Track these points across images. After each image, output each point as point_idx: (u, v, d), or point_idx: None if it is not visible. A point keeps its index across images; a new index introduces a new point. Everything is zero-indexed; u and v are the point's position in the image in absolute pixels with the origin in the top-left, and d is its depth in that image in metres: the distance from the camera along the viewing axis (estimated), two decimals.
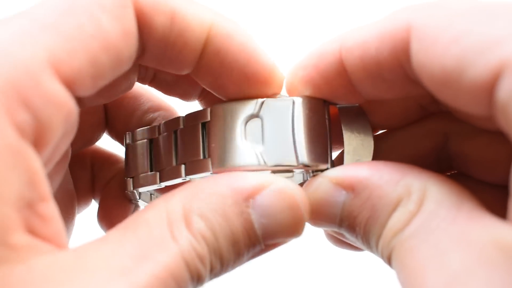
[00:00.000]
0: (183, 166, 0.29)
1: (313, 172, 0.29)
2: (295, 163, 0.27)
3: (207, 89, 0.29)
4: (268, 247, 0.26)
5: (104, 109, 0.35)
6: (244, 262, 0.26)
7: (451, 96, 0.24)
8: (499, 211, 0.23)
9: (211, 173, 0.28)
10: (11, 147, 0.21)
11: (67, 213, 0.34)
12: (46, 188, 0.22)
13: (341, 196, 0.26)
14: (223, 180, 0.25)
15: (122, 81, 0.30)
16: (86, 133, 0.35)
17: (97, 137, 0.36)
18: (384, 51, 0.25)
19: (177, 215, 0.24)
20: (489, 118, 0.23)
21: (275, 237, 0.26)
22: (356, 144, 0.30)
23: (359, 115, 0.30)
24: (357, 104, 0.30)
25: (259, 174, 0.26)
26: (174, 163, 0.30)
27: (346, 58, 0.27)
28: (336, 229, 0.27)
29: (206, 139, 0.29)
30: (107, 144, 0.38)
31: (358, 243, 0.27)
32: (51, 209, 0.22)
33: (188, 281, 0.23)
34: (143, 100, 0.36)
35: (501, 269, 0.21)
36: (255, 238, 0.25)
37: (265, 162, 0.27)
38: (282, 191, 0.26)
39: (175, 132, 0.30)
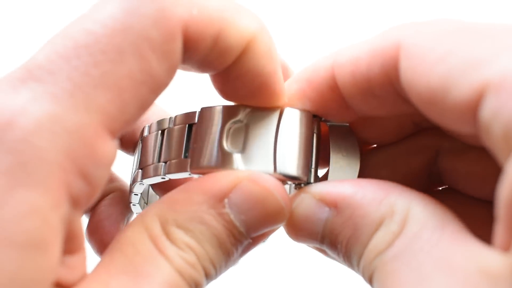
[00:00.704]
0: (163, 165, 0.29)
1: (295, 186, 0.28)
2: (272, 172, 0.27)
3: (216, 90, 0.28)
4: (256, 239, 0.26)
5: None
6: (238, 259, 0.26)
7: (437, 114, 0.24)
8: (487, 227, 0.23)
9: (189, 174, 0.28)
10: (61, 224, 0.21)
11: None
12: (81, 242, 0.23)
13: (324, 212, 0.26)
14: (195, 186, 0.26)
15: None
16: None
17: None
18: (375, 68, 0.25)
19: (156, 231, 0.24)
20: (474, 136, 0.23)
21: (259, 229, 0.26)
22: (342, 163, 0.30)
23: (348, 134, 0.30)
24: (347, 124, 0.30)
25: (230, 172, 0.26)
26: (156, 161, 0.30)
27: (338, 74, 0.27)
28: (318, 245, 0.27)
29: (190, 141, 0.29)
30: None
31: (339, 260, 0.27)
32: (81, 259, 0.23)
33: None
34: (150, 112, 0.35)
35: None
36: (240, 235, 0.26)
37: (242, 167, 0.27)
38: (254, 184, 0.26)
39: (163, 132, 0.30)
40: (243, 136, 0.28)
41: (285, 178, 0.27)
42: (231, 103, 0.29)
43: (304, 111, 0.28)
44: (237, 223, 0.25)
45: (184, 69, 0.27)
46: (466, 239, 0.23)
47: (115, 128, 0.22)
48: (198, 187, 0.26)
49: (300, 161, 0.27)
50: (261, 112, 0.28)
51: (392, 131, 0.30)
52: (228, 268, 0.26)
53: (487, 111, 0.21)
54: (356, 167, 0.30)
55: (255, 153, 0.27)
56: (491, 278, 0.20)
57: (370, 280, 0.24)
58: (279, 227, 0.27)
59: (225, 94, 0.28)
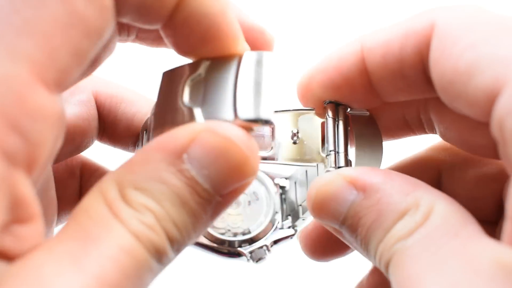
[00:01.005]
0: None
1: (325, 167, 0.31)
2: (232, 118, 0.25)
3: (170, 46, 0.28)
4: (226, 197, 0.25)
5: (98, 117, 0.36)
6: (209, 222, 0.25)
7: (455, 96, 0.25)
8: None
9: (151, 135, 0.29)
10: None
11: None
12: (33, 211, 0.22)
13: (351, 195, 0.27)
14: (151, 146, 0.24)
15: (103, 52, 0.28)
16: (76, 139, 0.35)
17: (86, 145, 0.36)
18: (408, 48, 0.27)
19: (112, 193, 0.23)
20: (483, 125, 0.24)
21: (226, 184, 0.25)
22: (367, 149, 0.31)
23: (370, 122, 0.32)
24: (367, 112, 0.32)
25: (186, 126, 0.25)
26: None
27: (368, 57, 0.28)
28: (337, 227, 0.28)
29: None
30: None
31: (355, 245, 0.28)
32: (34, 230, 0.22)
33: (145, 254, 0.22)
34: (141, 103, 0.37)
35: (500, 284, 0.22)
36: (205, 193, 0.24)
37: (202, 119, 0.26)
38: (214, 134, 0.24)
39: None
40: (202, 89, 0.27)
41: (248, 124, 0.26)
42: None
43: (265, 52, 0.27)
44: (200, 179, 0.24)
45: (131, 21, 0.26)
46: (483, 236, 0.24)
47: (49, 77, 0.21)
48: (155, 146, 0.24)
49: (261, 102, 0.26)
50: (221, 62, 0.27)
51: (396, 125, 0.33)
52: (198, 232, 0.25)
53: (502, 104, 0.23)
54: (380, 153, 0.31)
55: (215, 104, 0.26)
56: (505, 269, 0.22)
57: (386, 265, 0.25)
58: (249, 182, 0.25)
59: (179, 48, 0.28)
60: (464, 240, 0.24)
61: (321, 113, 0.33)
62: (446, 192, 0.28)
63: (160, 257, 0.23)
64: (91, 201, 0.23)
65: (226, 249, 0.42)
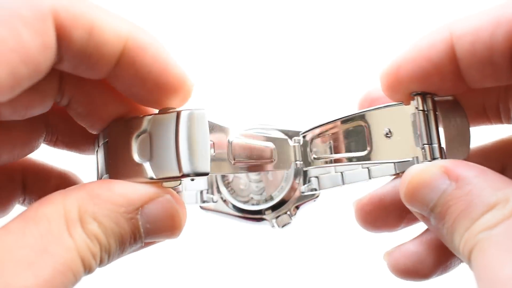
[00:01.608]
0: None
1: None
2: (178, 174, 0.30)
3: (123, 93, 0.31)
4: (146, 244, 0.31)
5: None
6: (124, 255, 0.30)
7: None
8: None
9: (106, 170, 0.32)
10: None
11: None
12: None
13: (444, 184, 0.29)
14: (116, 189, 0.29)
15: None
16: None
17: (32, 148, 0.36)
18: (499, 36, 0.27)
19: (73, 215, 0.27)
20: None
21: (155, 237, 0.31)
22: (454, 133, 0.32)
23: (455, 106, 0.33)
24: (451, 97, 0.32)
25: (149, 186, 0.30)
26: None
27: (458, 44, 0.29)
28: (425, 214, 0.30)
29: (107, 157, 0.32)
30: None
31: (440, 233, 0.29)
32: None
33: (82, 273, 0.27)
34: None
35: None
36: (139, 238, 0.30)
37: (153, 176, 0.30)
38: (167, 203, 0.30)
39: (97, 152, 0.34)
40: (148, 145, 0.31)
41: (190, 177, 0.31)
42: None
43: (200, 111, 0.31)
44: (142, 230, 0.30)
45: (71, 69, 0.29)
46: None
47: None
48: (120, 191, 0.29)
49: (199, 158, 0.31)
50: (161, 119, 0.31)
51: (475, 113, 0.34)
52: (114, 260, 0.30)
53: None
54: (467, 135, 0.33)
55: (161, 160, 0.31)
56: None
57: (469, 252, 0.27)
58: (164, 240, 0.32)
59: (135, 98, 0.31)
60: None
61: (408, 104, 0.34)
62: None
63: (86, 274, 0.28)
64: (54, 212, 0.27)
65: (251, 216, 0.43)
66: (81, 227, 0.27)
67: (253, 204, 0.42)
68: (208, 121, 0.32)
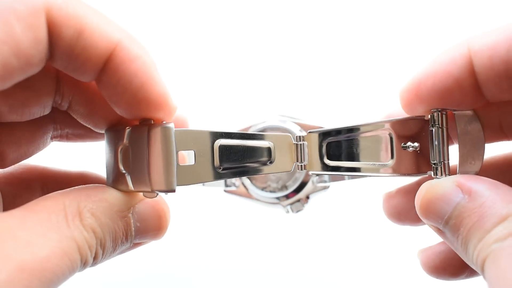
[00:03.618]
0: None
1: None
2: (149, 189, 0.32)
3: (106, 99, 0.32)
4: (134, 245, 0.34)
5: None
6: (114, 255, 0.32)
7: None
8: None
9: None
10: None
11: None
12: None
13: (458, 197, 0.30)
14: (111, 191, 0.32)
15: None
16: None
17: (38, 145, 0.36)
18: None
19: (73, 209, 0.29)
20: None
21: (143, 237, 0.33)
22: (469, 147, 0.33)
23: (473, 120, 0.33)
24: (471, 111, 0.33)
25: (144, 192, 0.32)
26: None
27: (475, 58, 0.30)
28: (440, 227, 0.31)
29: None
30: None
31: (455, 245, 0.30)
32: None
33: (78, 262, 0.28)
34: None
35: None
36: (130, 237, 0.32)
37: (132, 188, 0.32)
38: (155, 204, 0.33)
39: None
40: (129, 157, 0.32)
41: (164, 193, 0.32)
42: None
43: (166, 127, 0.31)
44: (133, 228, 0.32)
45: (63, 67, 0.30)
46: None
47: None
48: (114, 194, 0.32)
49: (167, 175, 0.31)
50: (137, 131, 0.32)
51: (491, 130, 0.34)
52: (106, 259, 0.32)
53: None
54: (482, 149, 0.33)
55: (137, 173, 0.32)
56: None
57: (482, 262, 0.28)
58: (148, 242, 0.34)
59: (117, 108, 0.31)
60: None
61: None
62: None
63: (82, 267, 0.29)
64: (54, 206, 0.29)
65: (267, 201, 0.47)
66: (79, 220, 0.29)
67: (270, 191, 0.46)
68: (184, 130, 0.32)
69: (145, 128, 0.31)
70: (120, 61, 0.29)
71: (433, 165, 0.33)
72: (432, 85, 0.31)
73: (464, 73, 0.30)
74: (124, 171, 0.32)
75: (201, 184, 0.45)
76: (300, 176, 0.46)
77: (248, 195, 0.47)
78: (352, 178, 0.43)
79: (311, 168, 0.37)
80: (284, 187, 0.46)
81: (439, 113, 0.32)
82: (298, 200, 0.46)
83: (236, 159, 0.34)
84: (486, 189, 0.29)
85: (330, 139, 0.36)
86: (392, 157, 0.34)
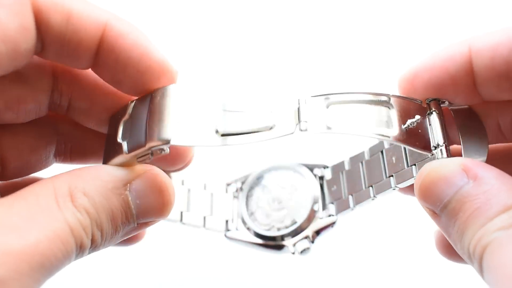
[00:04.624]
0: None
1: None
2: (143, 144, 0.30)
3: (109, 83, 0.32)
4: (140, 225, 0.31)
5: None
6: (119, 239, 0.31)
7: None
8: None
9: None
10: None
11: None
12: None
13: (462, 181, 0.29)
14: (104, 168, 0.30)
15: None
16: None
17: (40, 157, 0.35)
18: None
19: (63, 191, 0.28)
20: None
21: (147, 215, 0.31)
22: (471, 138, 0.33)
23: (472, 115, 0.33)
24: (467, 106, 0.33)
25: (136, 166, 0.31)
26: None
27: (476, 58, 0.30)
28: (437, 210, 0.30)
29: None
30: None
31: (449, 229, 0.29)
32: None
33: (73, 245, 0.27)
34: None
35: None
36: (131, 216, 0.30)
37: (126, 151, 0.31)
38: (154, 177, 0.31)
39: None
40: (129, 127, 0.32)
41: (159, 146, 0.30)
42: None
43: (171, 85, 0.31)
44: (132, 205, 0.30)
45: (56, 58, 0.30)
46: None
47: None
48: (107, 169, 0.30)
49: (165, 127, 0.30)
50: (140, 101, 0.32)
51: (490, 130, 0.34)
52: (110, 243, 0.30)
53: None
54: (485, 145, 0.33)
55: (134, 137, 0.31)
56: None
57: (481, 251, 0.27)
58: (159, 221, 0.32)
59: (120, 86, 0.32)
60: None
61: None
62: None
63: (79, 252, 0.28)
64: (43, 190, 0.28)
65: (270, 243, 0.44)
66: (71, 201, 0.28)
67: (274, 232, 0.44)
68: (186, 89, 0.32)
69: (148, 95, 0.31)
70: (113, 39, 0.30)
71: (433, 148, 0.32)
72: (428, 78, 0.32)
73: (461, 71, 0.31)
74: (121, 141, 0.32)
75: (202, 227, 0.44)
76: (305, 211, 0.43)
77: (250, 240, 0.45)
78: (359, 205, 0.40)
79: (313, 129, 0.33)
80: (290, 223, 0.44)
81: (435, 101, 0.33)
82: (305, 237, 0.43)
83: (237, 124, 0.33)
84: (493, 177, 0.28)
85: (335, 102, 0.34)
86: (399, 128, 0.33)
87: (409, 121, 0.33)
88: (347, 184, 0.42)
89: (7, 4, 0.27)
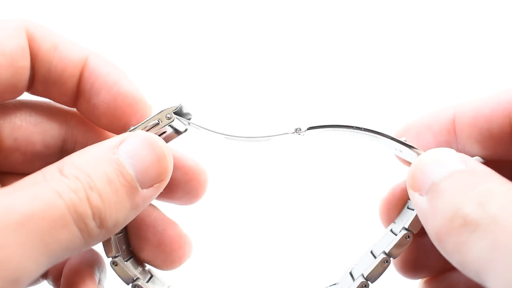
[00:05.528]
0: None
1: None
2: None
3: (89, 119, 0.36)
4: (148, 190, 0.31)
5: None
6: (133, 210, 0.31)
7: None
8: None
9: None
10: None
11: None
12: None
13: (459, 167, 0.30)
14: (90, 146, 0.31)
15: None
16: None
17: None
18: (498, 111, 0.32)
19: (51, 169, 0.29)
20: None
21: (147, 173, 0.31)
22: None
23: None
24: None
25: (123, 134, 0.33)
26: None
27: (459, 119, 0.34)
28: (423, 192, 0.31)
29: None
30: None
31: (421, 205, 0.31)
32: None
33: (66, 212, 0.27)
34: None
35: None
36: (130, 178, 0.30)
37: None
38: (142, 135, 0.32)
39: None
40: None
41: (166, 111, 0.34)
42: None
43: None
44: (126, 165, 0.30)
45: (42, 93, 0.35)
46: None
47: None
48: (94, 144, 0.32)
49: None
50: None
51: None
52: (122, 215, 0.30)
53: None
54: None
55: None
56: None
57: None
58: (166, 179, 0.32)
59: (97, 120, 0.35)
60: None
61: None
62: None
63: (81, 221, 0.28)
64: (32, 175, 0.29)
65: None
66: (58, 172, 0.29)
67: None
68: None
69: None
70: (93, 68, 0.34)
71: None
72: (415, 135, 0.36)
73: (443, 130, 0.35)
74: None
75: None
76: None
77: None
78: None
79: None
80: None
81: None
82: None
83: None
84: (488, 172, 0.30)
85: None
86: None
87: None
88: None
89: (4, 28, 0.32)
